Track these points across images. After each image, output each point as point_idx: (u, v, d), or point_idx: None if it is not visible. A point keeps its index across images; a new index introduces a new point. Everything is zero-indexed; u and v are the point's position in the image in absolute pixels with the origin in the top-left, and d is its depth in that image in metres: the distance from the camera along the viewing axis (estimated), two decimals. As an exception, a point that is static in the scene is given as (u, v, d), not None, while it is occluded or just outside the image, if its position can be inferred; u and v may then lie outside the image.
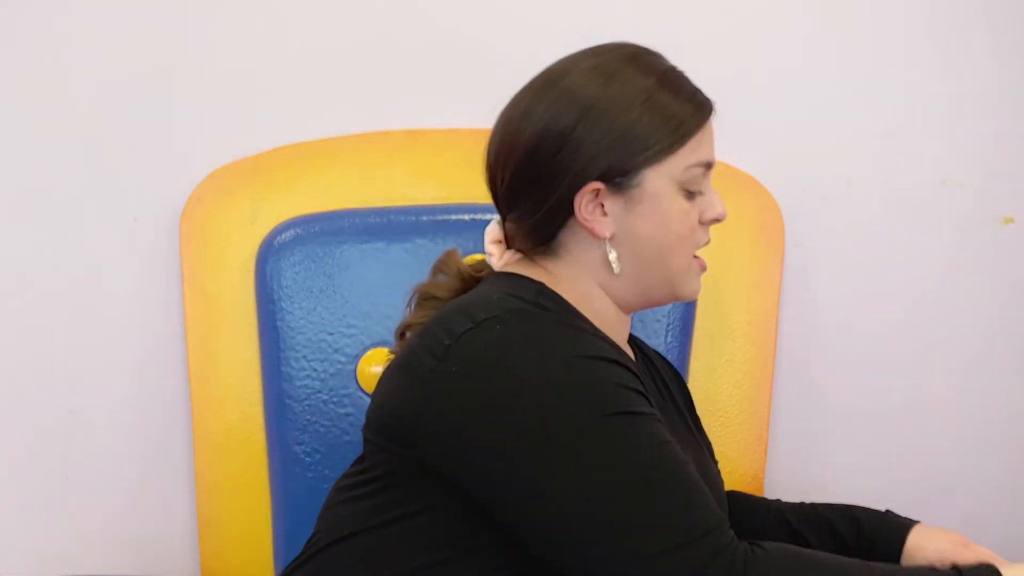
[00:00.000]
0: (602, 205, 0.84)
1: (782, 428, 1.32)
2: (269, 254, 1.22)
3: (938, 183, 1.30)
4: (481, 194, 1.25)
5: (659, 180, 0.84)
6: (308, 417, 1.20)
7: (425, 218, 1.19)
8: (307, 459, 1.20)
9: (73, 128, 1.31)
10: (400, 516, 0.77)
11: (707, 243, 0.90)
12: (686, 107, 0.84)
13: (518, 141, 0.85)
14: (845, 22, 1.28)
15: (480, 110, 1.31)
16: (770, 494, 1.31)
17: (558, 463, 0.70)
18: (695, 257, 0.89)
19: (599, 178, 0.83)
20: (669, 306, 1.20)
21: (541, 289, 0.84)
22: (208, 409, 1.24)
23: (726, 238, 1.28)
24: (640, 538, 0.68)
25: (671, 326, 1.23)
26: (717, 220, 0.88)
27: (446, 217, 1.21)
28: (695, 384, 1.21)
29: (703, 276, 0.91)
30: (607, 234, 0.84)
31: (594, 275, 0.87)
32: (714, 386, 1.24)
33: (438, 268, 0.94)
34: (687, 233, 0.86)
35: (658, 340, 1.20)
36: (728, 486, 1.26)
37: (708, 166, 0.86)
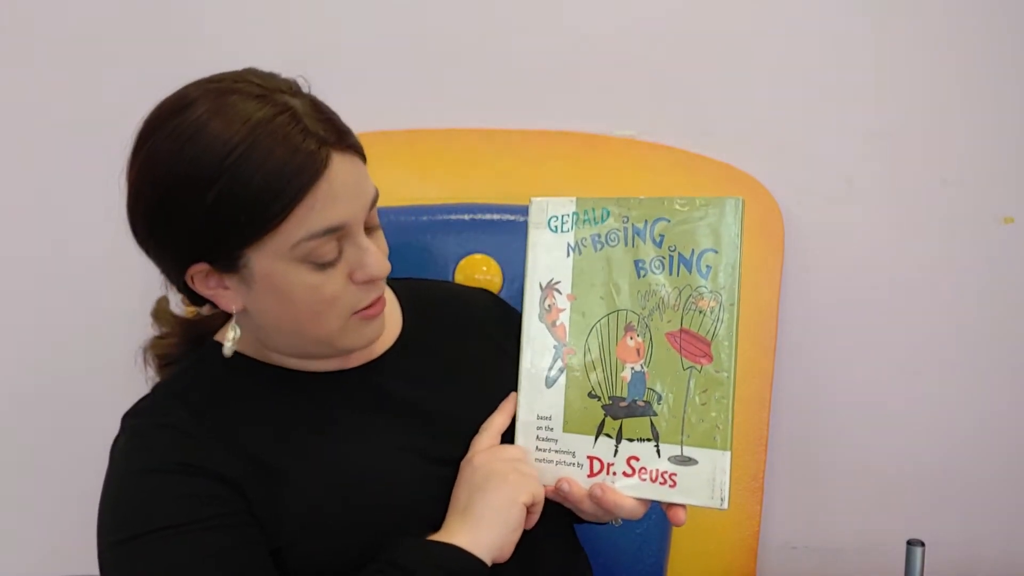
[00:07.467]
0: (221, 280, 0.75)
1: (782, 429, 1.32)
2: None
3: (938, 183, 1.30)
4: (481, 194, 1.26)
5: (264, 260, 0.72)
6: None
7: (425, 218, 1.19)
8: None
9: (74, 127, 1.31)
10: None
11: (376, 298, 0.78)
12: (279, 174, 0.68)
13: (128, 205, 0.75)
14: (845, 22, 1.27)
15: (480, 110, 1.32)
16: (770, 494, 1.32)
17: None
18: (360, 311, 0.77)
19: (200, 260, 0.73)
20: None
21: (201, 356, 0.84)
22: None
23: (726, 238, 1.28)
24: None
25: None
26: (372, 280, 0.75)
27: (446, 217, 1.21)
28: (695, 384, 1.20)
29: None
30: (233, 308, 0.76)
31: (255, 336, 0.81)
32: (714, 386, 1.24)
33: (155, 318, 0.92)
34: (325, 304, 0.74)
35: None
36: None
37: (331, 231, 0.71)
